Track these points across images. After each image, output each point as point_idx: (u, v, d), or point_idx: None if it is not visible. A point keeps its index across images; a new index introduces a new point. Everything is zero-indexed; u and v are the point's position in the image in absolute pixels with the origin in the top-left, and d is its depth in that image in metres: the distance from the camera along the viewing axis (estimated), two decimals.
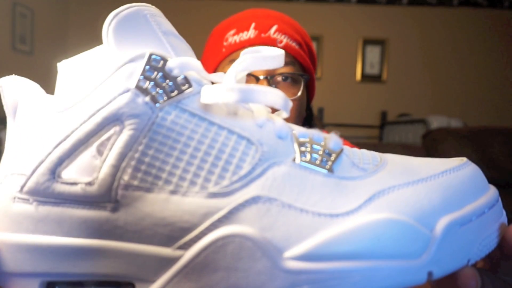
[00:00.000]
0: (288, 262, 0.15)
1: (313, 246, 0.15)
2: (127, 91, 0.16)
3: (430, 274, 0.15)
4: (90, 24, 3.03)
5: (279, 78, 0.49)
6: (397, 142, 2.51)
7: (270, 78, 0.48)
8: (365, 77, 3.05)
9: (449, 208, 0.15)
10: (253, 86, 0.17)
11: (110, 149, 0.16)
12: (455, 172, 0.17)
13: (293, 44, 0.51)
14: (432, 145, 1.81)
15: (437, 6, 3.04)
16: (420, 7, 3.04)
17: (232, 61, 0.50)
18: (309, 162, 0.17)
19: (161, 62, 0.17)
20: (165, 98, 0.17)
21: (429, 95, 3.08)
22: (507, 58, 3.05)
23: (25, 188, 0.16)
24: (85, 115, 0.16)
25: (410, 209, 0.15)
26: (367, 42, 3.03)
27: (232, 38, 0.51)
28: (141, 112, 0.16)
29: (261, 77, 0.46)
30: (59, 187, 0.16)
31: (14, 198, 0.17)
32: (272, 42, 0.50)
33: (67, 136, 0.16)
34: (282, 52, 0.19)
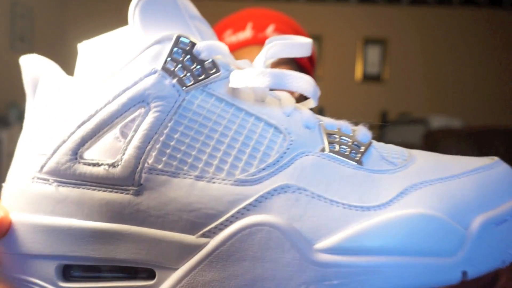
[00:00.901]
0: (317, 255, 0.14)
1: (344, 238, 0.14)
2: (154, 72, 0.16)
3: (464, 273, 0.14)
4: (89, 23, 3.02)
5: None
6: (397, 142, 2.51)
7: None
8: (365, 77, 3.05)
9: (484, 206, 0.15)
10: (286, 71, 0.17)
11: (136, 130, 0.16)
12: (489, 170, 0.16)
13: None
14: (432, 145, 1.81)
15: (437, 6, 3.05)
16: (420, 7, 3.04)
17: None
18: (338, 153, 0.16)
19: (189, 45, 0.17)
20: (192, 81, 0.16)
21: (429, 95, 3.09)
22: (507, 58, 3.06)
23: (45, 168, 0.16)
24: (110, 96, 0.16)
25: (444, 205, 0.15)
26: (367, 42, 3.03)
27: (229, 38, 0.51)
28: (167, 94, 0.16)
29: None
30: (81, 168, 0.16)
31: (34, 178, 0.16)
32: None
33: (91, 116, 0.16)
34: (310, 40, 0.19)
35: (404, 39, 3.03)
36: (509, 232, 0.15)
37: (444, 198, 0.15)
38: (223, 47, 0.18)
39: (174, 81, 0.16)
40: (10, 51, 2.37)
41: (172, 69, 0.16)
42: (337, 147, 0.17)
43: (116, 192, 0.16)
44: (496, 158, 0.18)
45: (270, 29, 0.50)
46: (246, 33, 0.50)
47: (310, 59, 0.56)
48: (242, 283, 0.14)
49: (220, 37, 0.52)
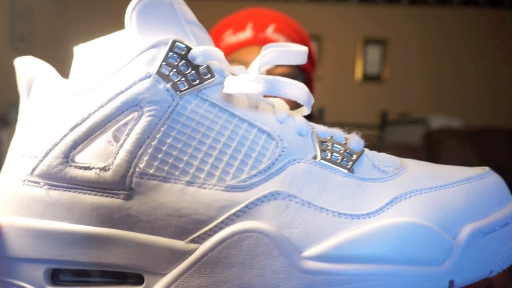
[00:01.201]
0: (306, 262, 0.14)
1: (333, 246, 0.14)
2: (149, 76, 0.16)
3: (451, 283, 0.14)
4: (89, 23, 3.02)
5: None
6: (397, 142, 2.51)
7: None
8: (365, 77, 3.05)
9: (473, 216, 0.15)
10: (280, 78, 0.17)
11: (128, 134, 0.16)
12: (479, 180, 0.16)
13: None
14: (432, 145, 1.81)
15: (437, 6, 3.04)
16: (420, 7, 3.04)
17: (230, 61, 0.49)
18: (330, 161, 0.16)
19: (185, 49, 0.17)
20: (187, 86, 0.16)
21: (429, 95, 3.08)
22: (507, 58, 3.05)
23: (37, 171, 0.16)
24: (103, 99, 0.16)
25: (433, 215, 0.15)
26: (367, 41, 3.03)
27: (229, 38, 0.51)
28: (161, 99, 0.16)
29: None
30: (72, 171, 0.16)
31: (24, 181, 0.16)
32: (269, 42, 0.49)
33: (84, 120, 0.16)
34: (306, 49, 0.19)
35: (404, 39, 3.02)
36: (498, 242, 0.15)
37: (433, 207, 0.15)
38: (218, 53, 0.18)
39: (168, 85, 0.16)
40: (10, 51, 2.37)
41: (167, 73, 0.16)
42: (329, 154, 0.17)
43: (107, 196, 0.15)
44: (487, 169, 0.18)
45: (270, 29, 0.50)
46: (246, 33, 0.50)
47: (311, 59, 0.56)
48: (225, 286, 0.14)
49: (220, 37, 0.52)
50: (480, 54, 3.03)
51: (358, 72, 3.04)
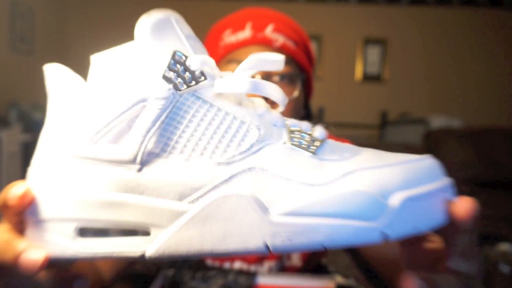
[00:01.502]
0: (273, 217, 0.19)
1: (294, 206, 0.19)
2: (156, 79, 0.21)
3: (383, 234, 0.19)
4: (89, 23, 3.04)
5: (276, 78, 0.49)
6: (397, 142, 2.51)
7: (267, 78, 0.47)
8: (365, 77, 3.05)
9: (406, 186, 0.19)
10: (261, 81, 0.22)
11: (139, 123, 0.20)
12: (416, 162, 0.21)
13: (290, 43, 0.51)
14: (432, 145, 1.81)
15: (437, 6, 3.05)
16: (420, 7, 3.05)
17: (230, 61, 0.49)
18: (297, 145, 0.21)
19: (183, 58, 0.21)
20: (185, 87, 0.21)
21: (429, 95, 3.09)
22: (507, 58, 3.06)
23: (71, 150, 0.21)
24: (120, 97, 0.21)
25: (373, 184, 0.19)
26: (367, 41, 3.03)
27: (228, 38, 0.51)
28: (165, 96, 0.20)
29: (258, 77, 0.46)
30: (97, 151, 0.21)
31: (61, 157, 0.21)
32: (268, 42, 0.49)
33: (107, 113, 0.21)
34: (283, 57, 0.23)
35: (404, 39, 3.03)
36: (424, 207, 0.19)
37: (374, 179, 0.19)
38: (210, 61, 0.22)
39: (171, 86, 0.21)
40: (10, 51, 2.37)
41: (169, 76, 0.21)
42: (296, 140, 0.21)
43: (123, 170, 0.20)
44: (426, 155, 0.22)
45: (269, 28, 0.50)
46: (246, 33, 0.50)
47: (310, 59, 0.56)
48: (216, 237, 0.19)
49: (220, 37, 0.52)
50: (480, 54, 3.03)
51: (358, 72, 3.04)
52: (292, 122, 0.23)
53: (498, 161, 1.69)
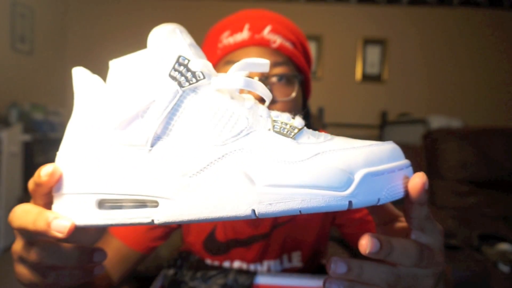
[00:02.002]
0: (258, 187, 0.23)
1: (275, 178, 0.23)
2: (163, 78, 0.25)
3: (350, 202, 0.22)
4: (89, 23, 3.04)
5: (274, 79, 0.50)
6: (397, 142, 2.51)
7: (265, 79, 0.48)
8: (365, 77, 3.05)
9: (368, 164, 0.23)
10: (251, 79, 0.27)
11: (150, 114, 0.25)
12: (379, 146, 0.25)
13: (287, 44, 0.51)
14: (432, 145, 1.82)
15: (437, 6, 3.05)
16: (420, 7, 3.05)
17: (228, 62, 0.50)
18: (279, 132, 0.26)
19: (186, 61, 0.26)
20: (187, 84, 0.26)
21: (429, 95, 3.09)
22: (507, 58, 3.06)
23: (95, 136, 0.26)
24: (135, 95, 0.25)
25: (342, 162, 0.23)
26: (367, 42, 3.03)
27: (227, 39, 0.51)
28: (171, 92, 0.25)
29: (256, 78, 0.48)
30: (117, 136, 0.25)
31: (92, 140, 0.26)
32: (265, 43, 0.50)
33: (123, 107, 0.25)
34: (268, 62, 0.28)
35: (404, 39, 3.03)
36: (384, 181, 0.23)
37: (343, 158, 0.23)
38: (208, 63, 0.27)
39: (175, 83, 0.25)
40: (10, 51, 2.37)
41: (174, 75, 0.26)
42: (279, 128, 0.26)
43: (137, 151, 0.25)
44: (390, 142, 0.26)
45: (267, 30, 0.50)
46: (244, 35, 0.50)
47: (307, 59, 0.56)
48: (212, 205, 0.23)
49: (218, 39, 0.53)
50: (479, 54, 3.03)
51: (358, 73, 3.04)
52: (275, 114, 0.27)
53: (497, 161, 1.69)
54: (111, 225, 0.25)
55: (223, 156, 0.24)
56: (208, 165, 0.24)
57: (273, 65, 0.49)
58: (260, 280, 0.50)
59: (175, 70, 0.25)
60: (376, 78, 3.05)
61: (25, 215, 0.25)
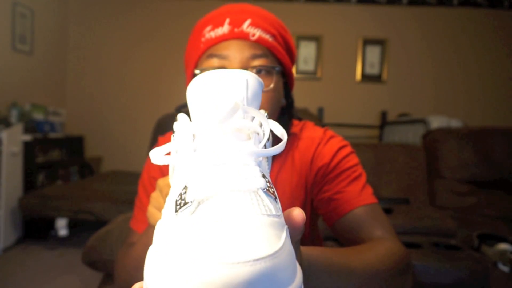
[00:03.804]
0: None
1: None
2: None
3: None
4: (89, 24, 3.04)
5: (253, 71, 0.51)
6: (397, 142, 2.51)
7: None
8: (365, 77, 3.05)
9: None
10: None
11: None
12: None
13: (267, 37, 0.53)
14: (432, 145, 1.81)
15: (437, 6, 3.04)
16: (420, 7, 3.04)
17: (210, 55, 0.52)
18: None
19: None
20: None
21: (429, 95, 3.08)
22: (507, 58, 3.06)
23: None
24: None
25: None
26: (367, 42, 3.03)
27: (209, 34, 0.53)
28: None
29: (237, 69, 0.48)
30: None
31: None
32: (245, 36, 0.52)
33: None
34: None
35: (404, 39, 3.03)
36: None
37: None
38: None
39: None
40: (10, 51, 2.37)
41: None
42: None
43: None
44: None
45: (246, 23, 0.52)
46: (224, 29, 0.52)
47: (289, 51, 0.58)
48: None
49: (201, 33, 0.55)
50: (480, 54, 3.03)
51: (358, 73, 3.04)
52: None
53: (498, 161, 1.69)
54: None
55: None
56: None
57: (252, 57, 0.51)
58: None
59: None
60: (376, 78, 3.05)
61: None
